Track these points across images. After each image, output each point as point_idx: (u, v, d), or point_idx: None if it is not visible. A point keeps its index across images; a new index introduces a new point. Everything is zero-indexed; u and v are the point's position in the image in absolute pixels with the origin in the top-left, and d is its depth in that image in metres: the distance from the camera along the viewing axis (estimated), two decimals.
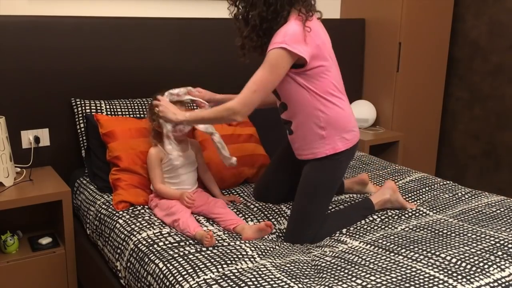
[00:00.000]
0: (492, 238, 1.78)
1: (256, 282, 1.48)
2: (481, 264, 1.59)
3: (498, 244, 1.73)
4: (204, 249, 1.73)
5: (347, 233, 1.92)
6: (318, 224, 1.91)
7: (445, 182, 2.43)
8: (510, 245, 1.72)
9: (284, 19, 1.83)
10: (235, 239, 1.84)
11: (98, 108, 2.45)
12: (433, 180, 2.44)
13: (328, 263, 1.66)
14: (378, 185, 2.37)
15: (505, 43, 3.34)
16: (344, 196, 2.23)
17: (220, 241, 1.82)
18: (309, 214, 1.91)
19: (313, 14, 1.86)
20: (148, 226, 1.91)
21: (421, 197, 2.25)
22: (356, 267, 1.61)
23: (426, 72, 3.48)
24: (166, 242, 1.79)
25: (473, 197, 2.26)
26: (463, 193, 2.29)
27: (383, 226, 1.94)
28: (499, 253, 1.67)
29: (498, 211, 2.07)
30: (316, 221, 1.92)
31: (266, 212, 2.08)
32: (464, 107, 3.65)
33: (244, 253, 1.69)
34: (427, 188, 2.34)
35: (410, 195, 2.27)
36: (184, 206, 1.97)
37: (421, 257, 1.65)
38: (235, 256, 1.66)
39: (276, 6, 1.81)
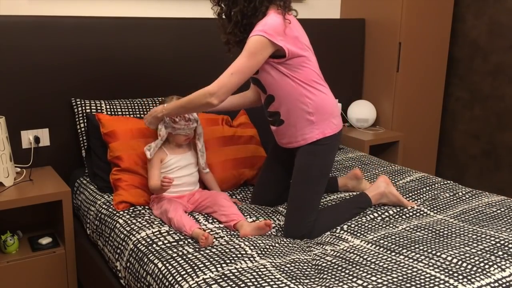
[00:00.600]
0: (492, 238, 1.78)
1: (256, 283, 1.48)
2: (482, 264, 1.59)
3: (498, 244, 1.73)
4: (203, 248, 1.73)
5: (348, 230, 1.92)
6: (315, 212, 1.94)
7: (445, 182, 2.43)
8: (510, 245, 1.72)
9: (262, 14, 1.90)
10: (233, 237, 1.84)
11: (98, 108, 2.45)
12: (433, 180, 2.44)
13: (329, 263, 1.66)
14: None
15: (505, 43, 3.34)
16: (342, 195, 2.23)
17: (218, 239, 1.82)
18: (306, 200, 1.95)
19: (290, 10, 1.95)
20: (147, 226, 1.91)
21: (421, 197, 2.25)
22: (357, 267, 1.61)
23: (426, 72, 3.48)
24: (165, 242, 1.79)
25: (473, 197, 2.26)
26: (464, 193, 2.29)
27: (384, 225, 1.94)
28: (500, 253, 1.67)
29: (499, 211, 2.07)
30: (313, 208, 1.95)
31: (262, 212, 2.09)
32: (464, 107, 3.65)
33: (243, 252, 1.69)
34: (427, 188, 2.34)
35: (410, 194, 2.27)
36: (175, 203, 1.98)
37: (422, 257, 1.65)
38: (234, 255, 1.66)
39: (255, 2, 1.89)
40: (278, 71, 1.93)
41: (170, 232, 1.86)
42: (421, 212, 2.09)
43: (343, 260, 1.67)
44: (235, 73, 1.87)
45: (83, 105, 2.45)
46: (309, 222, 1.92)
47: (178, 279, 1.54)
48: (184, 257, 1.66)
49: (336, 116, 2.04)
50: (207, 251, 1.69)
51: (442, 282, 1.49)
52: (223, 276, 1.52)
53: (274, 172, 2.23)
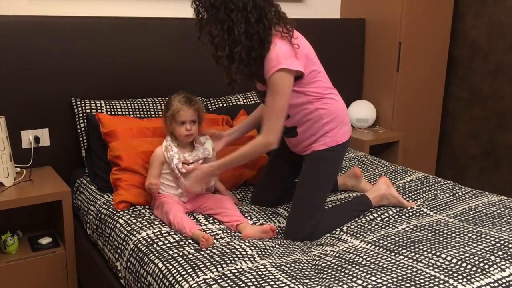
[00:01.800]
0: (492, 238, 1.78)
1: (256, 283, 1.48)
2: (482, 264, 1.59)
3: (498, 244, 1.73)
4: (203, 248, 1.73)
5: (348, 231, 1.92)
6: (318, 216, 1.95)
7: (445, 182, 2.43)
8: (510, 245, 1.72)
9: (268, 43, 1.86)
10: (234, 238, 1.84)
11: (98, 108, 2.45)
12: (433, 180, 2.44)
13: (328, 263, 1.66)
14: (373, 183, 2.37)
15: (505, 43, 3.34)
16: (342, 196, 2.23)
17: (219, 240, 1.82)
18: (310, 205, 1.95)
19: (292, 29, 1.91)
20: (148, 226, 1.91)
21: (421, 197, 2.25)
22: (357, 267, 1.61)
23: (426, 72, 3.48)
24: (166, 242, 1.79)
25: (473, 197, 2.26)
26: (463, 192, 2.29)
27: (383, 226, 1.94)
28: (500, 253, 1.67)
29: (499, 211, 2.07)
30: (317, 213, 1.95)
31: (263, 213, 2.09)
32: (464, 107, 3.65)
33: (244, 252, 1.69)
34: (427, 188, 2.34)
35: (410, 194, 2.27)
36: (176, 204, 1.98)
37: (422, 257, 1.65)
38: (234, 255, 1.66)
39: (258, 35, 1.84)
40: (293, 92, 1.93)
41: (171, 233, 1.86)
42: (421, 212, 2.09)
43: (343, 260, 1.67)
44: (278, 116, 1.88)
45: (83, 105, 2.45)
46: (311, 226, 1.92)
47: (179, 279, 1.54)
48: (185, 257, 1.66)
49: (347, 122, 2.06)
50: (208, 252, 1.69)
51: (441, 282, 1.49)
52: (223, 276, 1.52)
53: (277, 173, 2.23)
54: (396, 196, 2.13)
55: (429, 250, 1.69)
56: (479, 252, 1.68)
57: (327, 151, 2.00)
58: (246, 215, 2.02)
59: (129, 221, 1.96)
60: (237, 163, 2.00)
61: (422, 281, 1.50)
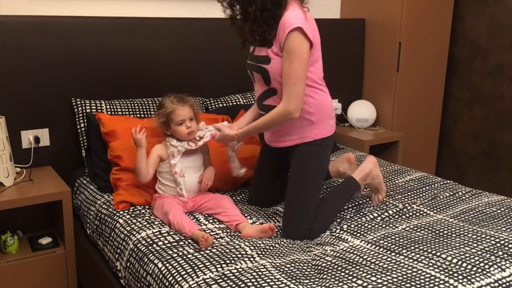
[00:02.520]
0: (492, 238, 1.78)
1: (256, 283, 1.48)
2: (482, 264, 1.59)
3: (498, 244, 1.73)
4: (203, 248, 1.73)
5: (348, 231, 1.92)
6: (313, 213, 1.94)
7: (445, 182, 2.43)
8: (510, 245, 1.72)
9: (285, 3, 1.87)
10: (233, 237, 1.84)
11: (98, 108, 2.45)
12: (433, 180, 2.44)
13: (328, 263, 1.66)
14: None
15: (505, 43, 3.34)
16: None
17: (218, 240, 1.82)
18: (304, 202, 1.95)
19: (306, 4, 1.93)
20: (147, 226, 1.91)
21: (421, 196, 2.25)
22: (357, 267, 1.61)
23: (426, 72, 3.48)
24: (166, 242, 1.79)
25: (473, 196, 2.26)
26: (463, 192, 2.29)
27: (384, 225, 1.94)
28: (500, 253, 1.67)
29: (499, 211, 2.07)
30: (311, 210, 1.95)
31: (262, 213, 2.09)
32: (464, 107, 3.65)
33: (244, 252, 1.69)
34: (427, 188, 2.34)
35: (410, 194, 2.27)
36: (175, 204, 1.97)
37: (422, 257, 1.65)
38: (234, 255, 1.66)
39: None
40: None
41: (171, 233, 1.86)
42: (421, 212, 2.09)
43: (343, 260, 1.67)
44: (298, 82, 1.85)
45: (83, 105, 2.45)
46: (307, 224, 1.92)
47: (178, 279, 1.54)
48: (184, 257, 1.66)
49: (332, 117, 2.05)
50: (207, 251, 1.69)
51: (442, 282, 1.49)
52: (223, 276, 1.52)
53: (266, 174, 2.22)
54: (380, 177, 2.12)
55: (429, 250, 1.69)
56: (479, 252, 1.68)
57: (315, 146, 1.98)
58: (245, 214, 2.02)
59: (129, 221, 1.96)
60: (259, 131, 2.02)
61: (422, 281, 1.50)
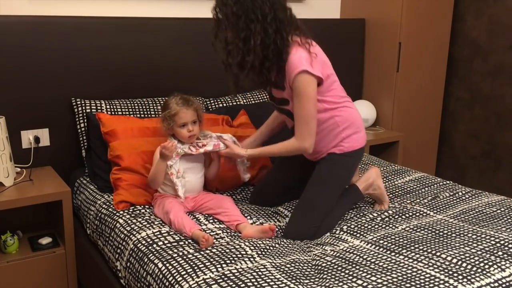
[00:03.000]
0: (492, 238, 1.78)
1: (256, 283, 1.48)
2: (482, 264, 1.59)
3: (498, 244, 1.73)
4: (203, 248, 1.73)
5: (348, 231, 1.92)
6: (322, 218, 1.95)
7: (445, 182, 2.43)
8: (510, 245, 1.72)
9: (287, 52, 1.88)
10: (234, 237, 1.84)
11: (99, 108, 2.45)
12: (433, 180, 2.44)
13: (328, 263, 1.66)
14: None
15: (505, 43, 3.34)
16: None
17: (218, 240, 1.82)
18: (318, 206, 1.96)
19: (310, 38, 1.94)
20: (148, 226, 1.91)
21: (421, 197, 2.25)
22: (357, 267, 1.61)
23: (426, 72, 3.48)
24: (166, 242, 1.79)
25: (473, 196, 2.26)
26: (463, 192, 2.29)
27: (384, 226, 1.94)
28: (500, 253, 1.67)
29: (499, 211, 2.07)
30: (321, 214, 1.96)
31: (263, 213, 2.09)
32: (464, 107, 3.65)
33: (244, 252, 1.69)
34: (427, 188, 2.34)
35: (409, 196, 2.27)
36: (176, 204, 1.97)
37: (422, 257, 1.65)
38: (234, 255, 1.66)
39: (275, 45, 1.86)
40: None
41: (171, 232, 1.86)
42: (421, 212, 2.09)
43: (343, 260, 1.67)
44: (309, 121, 1.92)
45: (83, 105, 2.45)
46: (314, 227, 1.92)
47: (178, 279, 1.54)
48: (184, 257, 1.66)
49: (362, 129, 2.08)
50: (207, 251, 1.69)
51: (442, 282, 1.49)
52: (223, 276, 1.52)
53: (282, 173, 2.23)
54: (382, 188, 2.13)
55: (429, 250, 1.69)
56: (479, 252, 1.68)
57: (344, 156, 2.02)
58: (245, 214, 2.02)
59: (129, 221, 1.96)
60: (269, 156, 2.08)
61: (422, 281, 1.50)
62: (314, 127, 1.94)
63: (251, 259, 1.65)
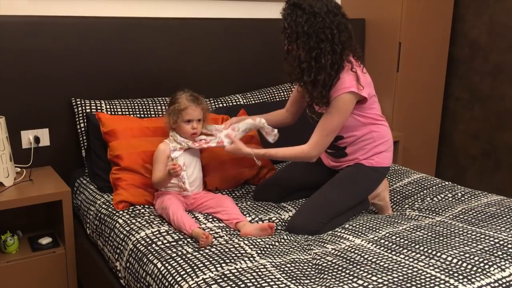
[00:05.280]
0: (492, 239, 1.78)
1: (256, 283, 1.48)
2: (482, 264, 1.59)
3: (498, 245, 1.73)
4: (202, 248, 1.73)
5: (349, 230, 1.92)
6: (330, 217, 1.97)
7: (444, 183, 2.43)
8: (510, 245, 1.72)
9: (342, 69, 1.96)
10: (233, 236, 1.84)
11: (99, 108, 2.45)
12: (432, 182, 2.44)
13: (329, 262, 1.66)
14: None
15: (505, 43, 3.34)
16: None
17: (218, 239, 1.82)
18: (331, 203, 1.99)
19: (362, 59, 2.04)
20: (147, 225, 1.91)
21: (419, 200, 2.25)
22: (358, 266, 1.61)
23: (426, 72, 3.48)
24: (165, 241, 1.78)
25: (472, 197, 2.26)
26: (463, 193, 2.29)
27: (384, 225, 1.94)
28: (499, 253, 1.67)
29: (498, 211, 2.07)
30: (331, 213, 1.98)
31: (262, 209, 2.09)
32: (464, 107, 3.65)
33: (243, 251, 1.69)
34: (425, 191, 2.34)
35: (409, 200, 2.27)
36: (176, 200, 1.98)
37: (422, 257, 1.65)
38: (233, 254, 1.66)
39: (338, 64, 1.95)
40: (352, 114, 2.01)
41: (170, 232, 1.86)
42: (421, 213, 2.09)
43: (344, 260, 1.66)
44: (330, 134, 1.98)
45: (83, 105, 2.45)
46: (321, 223, 1.94)
47: (178, 279, 1.54)
48: (184, 257, 1.66)
49: (392, 150, 2.15)
50: (207, 251, 1.69)
51: (442, 282, 1.49)
52: (222, 276, 1.52)
53: (294, 174, 2.26)
54: (387, 200, 2.16)
55: (429, 251, 1.69)
56: (479, 252, 1.68)
57: (370, 169, 2.06)
58: (244, 212, 2.02)
59: (129, 221, 1.96)
60: (273, 158, 2.09)
61: (422, 281, 1.50)
62: (330, 142, 2.00)
63: (251, 258, 1.65)
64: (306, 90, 2.03)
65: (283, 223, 2.00)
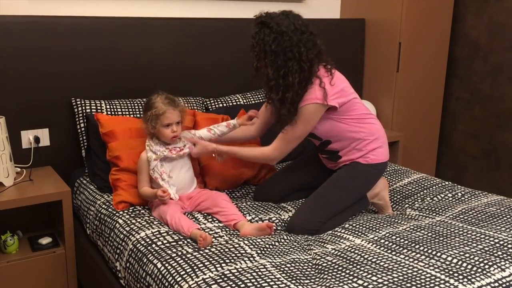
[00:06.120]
0: (492, 239, 1.78)
1: (256, 283, 1.48)
2: (482, 264, 1.59)
3: (498, 245, 1.73)
4: (201, 247, 1.73)
5: (349, 229, 1.92)
6: (329, 217, 1.97)
7: (444, 183, 2.43)
8: (510, 245, 1.72)
9: (311, 84, 1.97)
10: (233, 236, 1.84)
11: (98, 108, 2.45)
12: (432, 182, 2.44)
13: (329, 262, 1.66)
14: None
15: (505, 43, 3.34)
16: None
17: (217, 239, 1.82)
18: (329, 203, 1.99)
19: (332, 68, 2.02)
20: (147, 226, 1.91)
21: (419, 199, 2.25)
22: (358, 266, 1.61)
23: (426, 72, 3.48)
24: (165, 242, 1.78)
25: (472, 197, 2.26)
26: (463, 193, 2.29)
27: (384, 225, 1.94)
28: (499, 253, 1.67)
29: (498, 210, 2.07)
30: (330, 212, 1.98)
31: (261, 209, 2.09)
32: (464, 107, 3.65)
33: (243, 251, 1.69)
34: (425, 191, 2.34)
35: (409, 199, 2.27)
36: (172, 205, 1.97)
37: (422, 257, 1.65)
38: (233, 254, 1.66)
39: (306, 81, 1.95)
40: (332, 120, 2.02)
41: (170, 232, 1.86)
42: (421, 213, 2.09)
43: (344, 260, 1.66)
44: (292, 141, 1.99)
45: (83, 105, 2.45)
46: (320, 222, 1.94)
47: (178, 279, 1.54)
48: (184, 257, 1.66)
49: (386, 144, 2.15)
50: (207, 251, 1.69)
51: (442, 282, 1.49)
52: (222, 276, 1.52)
53: (295, 172, 2.27)
54: (386, 200, 2.16)
55: (429, 251, 1.69)
56: (479, 252, 1.68)
57: (367, 166, 2.06)
58: (244, 212, 2.02)
59: (129, 221, 1.96)
60: (235, 156, 2.11)
61: (422, 281, 1.50)
62: (291, 149, 2.02)
63: (251, 258, 1.65)
64: (274, 107, 2.04)
65: (283, 224, 2.00)
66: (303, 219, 1.94)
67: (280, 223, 2.00)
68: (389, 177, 2.50)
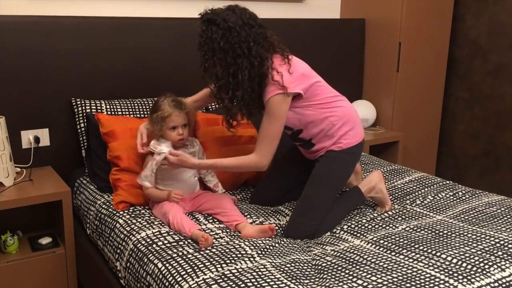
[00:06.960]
0: (492, 239, 1.78)
1: (256, 283, 1.48)
2: (482, 264, 1.59)
3: (498, 245, 1.73)
4: (202, 248, 1.73)
5: (348, 230, 1.92)
6: (322, 216, 1.95)
7: (445, 182, 2.43)
8: (510, 245, 1.72)
9: (267, 78, 1.91)
10: (233, 237, 1.84)
11: (99, 108, 2.45)
12: (433, 180, 2.44)
13: (329, 263, 1.66)
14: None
15: (505, 43, 3.34)
16: None
17: (218, 239, 1.82)
18: (319, 204, 1.97)
19: (288, 55, 1.97)
20: (147, 226, 1.91)
21: (421, 197, 2.25)
22: (357, 267, 1.61)
23: (426, 72, 3.48)
24: (165, 242, 1.79)
25: (473, 196, 2.26)
26: (463, 192, 2.29)
27: (384, 226, 1.95)
28: (499, 253, 1.67)
29: (499, 211, 2.07)
30: (321, 213, 1.96)
31: (262, 212, 2.09)
32: (464, 107, 3.65)
33: (243, 252, 1.69)
34: (426, 189, 2.34)
35: (409, 197, 2.27)
36: (175, 205, 1.97)
37: (422, 257, 1.65)
38: (234, 255, 1.66)
39: (259, 77, 1.90)
40: (299, 109, 1.98)
41: (170, 233, 1.86)
42: (421, 213, 2.09)
43: (343, 260, 1.67)
44: (274, 140, 1.94)
45: (83, 105, 2.45)
46: (314, 226, 1.93)
47: (178, 279, 1.54)
48: (184, 257, 1.66)
49: (359, 124, 2.09)
50: (207, 251, 1.69)
51: (442, 282, 1.49)
52: (223, 276, 1.52)
53: (284, 173, 2.24)
54: (384, 192, 2.13)
55: (429, 251, 1.69)
56: (479, 252, 1.68)
57: (342, 153, 2.02)
58: (245, 213, 2.02)
59: (129, 221, 1.96)
60: (222, 170, 2.07)
61: (422, 281, 1.50)
62: (276, 146, 1.96)
63: (251, 259, 1.65)
64: (224, 107, 2.01)
65: (281, 230, 1.99)
66: (296, 227, 1.94)
67: (280, 229, 1.99)
68: (389, 176, 2.51)
